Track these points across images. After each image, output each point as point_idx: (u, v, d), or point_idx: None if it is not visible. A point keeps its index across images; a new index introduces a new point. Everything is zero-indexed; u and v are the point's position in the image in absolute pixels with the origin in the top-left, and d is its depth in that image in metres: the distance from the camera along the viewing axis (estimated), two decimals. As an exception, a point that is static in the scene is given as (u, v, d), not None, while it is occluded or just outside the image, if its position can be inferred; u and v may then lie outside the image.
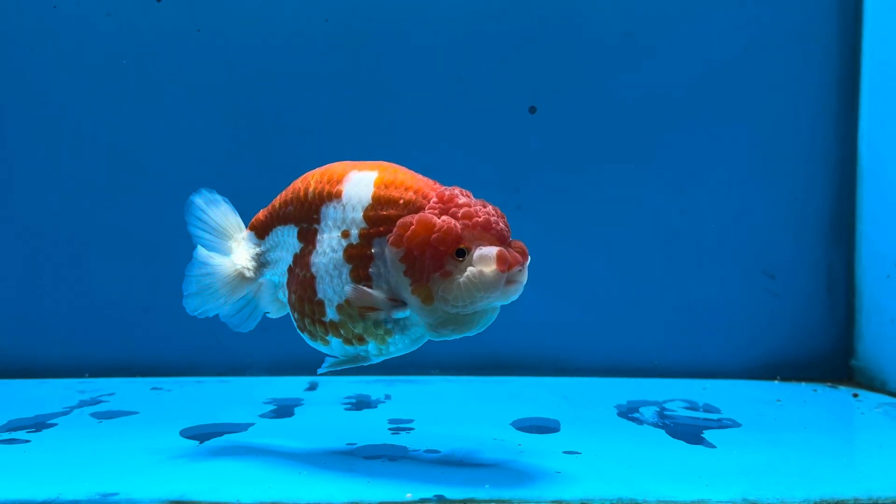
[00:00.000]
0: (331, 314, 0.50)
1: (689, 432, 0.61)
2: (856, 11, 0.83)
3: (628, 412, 0.68)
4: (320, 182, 0.51)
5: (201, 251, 0.54)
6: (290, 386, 0.78)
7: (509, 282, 0.46)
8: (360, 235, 0.49)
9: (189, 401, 0.71)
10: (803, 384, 0.82)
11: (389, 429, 0.61)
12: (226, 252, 0.55)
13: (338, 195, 0.50)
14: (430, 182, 0.50)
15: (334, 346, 0.51)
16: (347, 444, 0.56)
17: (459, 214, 0.47)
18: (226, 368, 0.83)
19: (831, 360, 0.85)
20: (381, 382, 0.80)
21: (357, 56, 0.85)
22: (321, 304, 0.50)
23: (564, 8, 0.85)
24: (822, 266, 0.85)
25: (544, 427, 0.62)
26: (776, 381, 0.84)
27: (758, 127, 0.85)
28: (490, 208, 0.48)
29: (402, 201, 0.48)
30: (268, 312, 0.56)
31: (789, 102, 0.85)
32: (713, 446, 0.57)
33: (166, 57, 0.84)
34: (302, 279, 0.51)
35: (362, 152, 0.83)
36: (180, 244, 0.85)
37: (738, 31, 0.84)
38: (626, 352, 0.86)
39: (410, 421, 0.63)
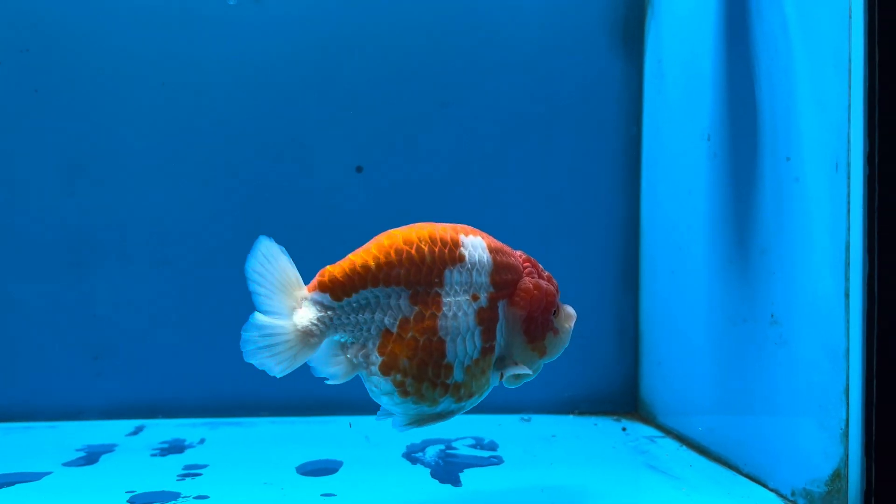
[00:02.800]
0: (457, 376, 0.52)
1: (451, 472, 0.70)
2: (638, 94, 0.94)
3: (414, 451, 0.76)
4: (435, 245, 0.53)
5: (259, 316, 0.51)
6: (115, 430, 0.84)
7: None
8: (489, 299, 0.53)
9: (5, 449, 0.76)
10: (592, 418, 0.92)
11: (179, 475, 0.67)
12: (284, 311, 0.51)
13: (461, 259, 0.53)
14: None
15: (441, 406, 0.53)
16: (127, 492, 0.62)
17: (545, 277, 0.56)
18: (59, 413, 0.89)
19: (621, 395, 0.95)
20: (205, 425, 0.86)
21: (191, 117, 0.92)
22: (450, 367, 0.52)
23: (388, 79, 0.94)
24: (614, 312, 0.96)
25: (325, 469, 0.70)
26: (572, 416, 0.93)
27: (558, 188, 0.95)
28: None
29: (512, 266, 0.55)
30: (327, 379, 0.53)
31: (584, 167, 0.95)
32: (458, 485, 0.65)
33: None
34: (425, 344, 0.51)
35: (202, 205, 0.90)
36: (14, 286, 0.91)
37: (539, 104, 0.94)
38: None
39: (205, 466, 0.70)
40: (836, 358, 0.55)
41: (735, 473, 0.68)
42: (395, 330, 0.51)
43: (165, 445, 0.78)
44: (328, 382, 0.53)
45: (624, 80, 0.95)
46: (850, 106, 0.54)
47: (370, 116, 0.94)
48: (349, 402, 0.93)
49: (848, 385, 0.54)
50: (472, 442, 0.80)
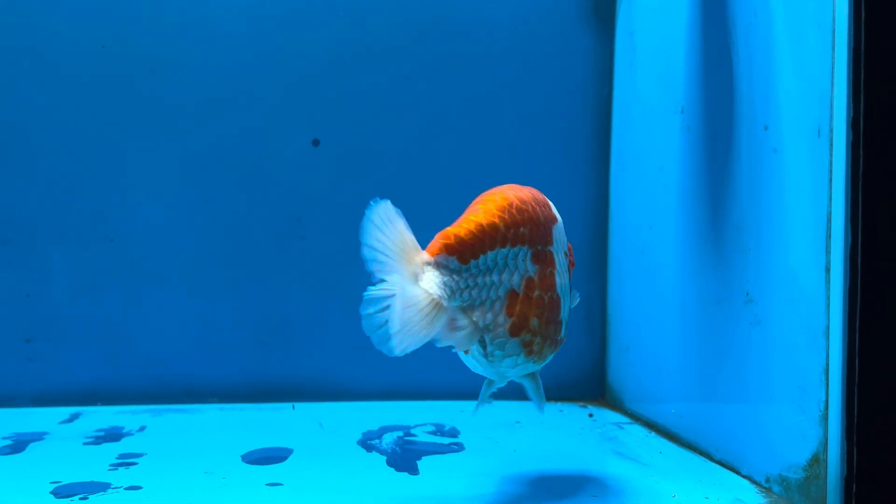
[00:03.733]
0: (563, 331, 0.54)
1: (408, 459, 0.65)
2: (608, 70, 0.91)
3: (371, 439, 0.72)
4: (539, 204, 0.53)
5: (397, 286, 0.46)
6: (48, 418, 0.78)
7: None
8: (568, 254, 0.56)
9: (-75, 438, 0.70)
10: (557, 404, 0.89)
11: (112, 464, 0.62)
12: (408, 277, 0.47)
13: (555, 218, 0.54)
14: None
15: (546, 362, 0.54)
16: (52, 482, 0.57)
17: None
18: (-12, 400, 0.83)
19: (588, 381, 0.92)
20: (147, 412, 0.81)
21: (135, 83, 0.86)
22: (560, 323, 0.53)
23: (348, 49, 0.88)
24: (581, 294, 0.92)
25: (273, 457, 0.65)
26: (537, 402, 0.90)
27: (523, 166, 0.90)
28: None
29: None
30: (452, 347, 0.49)
31: (551, 144, 0.91)
32: (415, 473, 0.61)
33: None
34: (549, 301, 0.51)
35: (148, 177, 0.84)
36: None
37: (506, 78, 0.90)
38: (403, 375, 0.90)
39: (141, 455, 0.65)
40: (814, 337, 0.52)
41: (706, 460, 0.65)
42: (520, 290, 0.49)
43: (101, 433, 0.72)
44: (454, 351, 0.50)
45: (594, 55, 0.91)
46: (833, 68, 0.51)
47: (328, 88, 0.89)
48: (303, 388, 0.89)
49: (828, 365, 0.51)
50: (431, 428, 0.76)
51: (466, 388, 0.93)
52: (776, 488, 0.56)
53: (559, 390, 0.92)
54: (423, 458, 0.66)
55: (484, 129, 0.90)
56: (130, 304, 0.86)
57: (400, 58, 0.89)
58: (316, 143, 0.89)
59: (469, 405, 0.87)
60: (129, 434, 0.72)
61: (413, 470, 0.62)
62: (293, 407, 0.76)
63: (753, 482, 0.59)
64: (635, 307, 0.83)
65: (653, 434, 0.74)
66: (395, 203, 0.89)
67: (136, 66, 0.86)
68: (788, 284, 0.55)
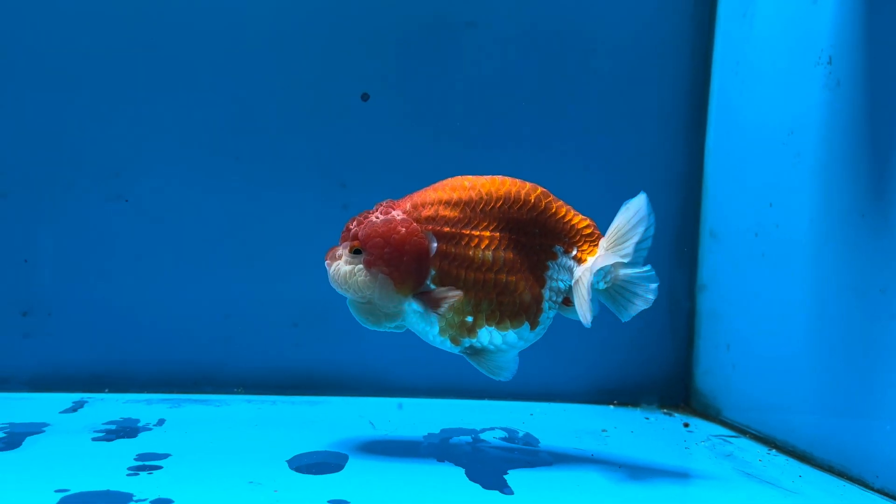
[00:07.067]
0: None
1: (493, 471, 0.53)
2: (709, 25, 0.78)
3: (435, 444, 0.60)
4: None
5: None
6: (47, 405, 0.65)
7: None
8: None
9: None
10: (638, 410, 0.77)
11: (131, 468, 0.50)
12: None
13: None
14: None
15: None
16: (56, 491, 0.45)
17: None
18: (-23, 382, 0.70)
19: (670, 383, 0.80)
20: (163, 402, 0.69)
21: (156, 26, 0.73)
22: None
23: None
24: (664, 286, 0.79)
25: (327, 465, 0.53)
26: (612, 406, 0.78)
27: (603, 134, 0.78)
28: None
29: None
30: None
31: (636, 110, 0.78)
32: (507, 492, 0.49)
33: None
34: None
35: (170, 141, 0.72)
36: None
37: (582, 28, 0.78)
38: (456, 371, 0.78)
39: (165, 457, 0.53)
40: None
41: (863, 489, 0.53)
42: None
43: (112, 426, 0.60)
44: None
45: (691, 17, 0.79)
46: None
47: (379, 34, 0.76)
48: (341, 379, 0.77)
49: None
50: (503, 434, 0.64)
51: (532, 388, 0.81)
52: (980, 530, 0.45)
53: (632, 393, 0.80)
54: (510, 472, 0.54)
55: (550, 88, 0.77)
56: (146, 275, 0.73)
57: (467, 4, 0.77)
58: (365, 97, 0.77)
59: (542, 407, 0.76)
60: (146, 428, 0.60)
61: (503, 487, 0.50)
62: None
63: (943, 520, 0.47)
64: (742, 299, 0.71)
65: (775, 452, 0.62)
66: (460, 168, 0.79)
67: (154, 8, 0.73)
68: None
